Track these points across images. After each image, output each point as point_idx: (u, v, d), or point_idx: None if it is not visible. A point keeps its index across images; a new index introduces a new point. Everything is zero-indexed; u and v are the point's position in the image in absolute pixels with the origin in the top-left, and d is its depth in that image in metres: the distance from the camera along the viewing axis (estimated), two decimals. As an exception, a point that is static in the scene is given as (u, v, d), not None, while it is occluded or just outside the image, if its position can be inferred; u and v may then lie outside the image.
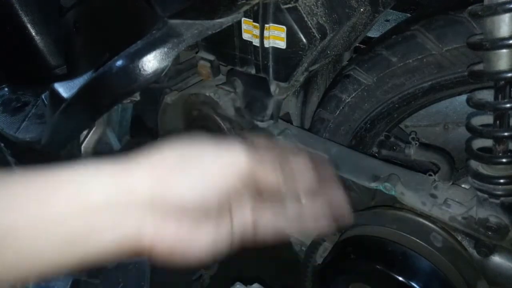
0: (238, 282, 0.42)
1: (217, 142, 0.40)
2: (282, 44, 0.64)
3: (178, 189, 0.37)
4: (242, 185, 0.39)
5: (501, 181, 0.57)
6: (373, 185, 0.65)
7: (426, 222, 0.65)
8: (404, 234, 0.64)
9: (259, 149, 0.41)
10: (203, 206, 0.38)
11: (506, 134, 0.54)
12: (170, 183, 0.37)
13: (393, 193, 0.63)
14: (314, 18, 0.62)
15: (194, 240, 0.38)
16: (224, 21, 0.61)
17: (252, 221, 0.41)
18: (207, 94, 0.81)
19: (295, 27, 0.62)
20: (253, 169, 0.39)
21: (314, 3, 0.62)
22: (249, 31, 0.66)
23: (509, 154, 0.55)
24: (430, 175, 0.66)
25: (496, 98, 0.53)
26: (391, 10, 1.09)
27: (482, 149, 0.58)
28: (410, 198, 0.63)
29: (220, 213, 0.40)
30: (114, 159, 0.38)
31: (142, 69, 0.61)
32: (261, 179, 0.40)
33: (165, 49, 0.60)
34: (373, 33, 0.98)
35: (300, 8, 0.61)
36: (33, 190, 0.34)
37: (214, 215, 0.39)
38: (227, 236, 0.40)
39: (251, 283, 0.44)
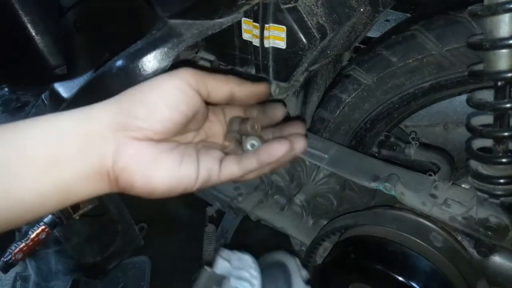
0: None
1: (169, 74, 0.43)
2: (282, 44, 0.64)
3: (137, 115, 0.40)
4: (197, 102, 0.43)
5: (501, 181, 0.57)
6: (373, 185, 0.65)
7: (426, 222, 0.65)
8: (404, 234, 0.64)
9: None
10: (164, 132, 0.41)
11: (506, 134, 0.54)
12: (130, 111, 0.40)
13: (393, 193, 0.63)
14: (314, 18, 0.62)
15: (154, 168, 0.40)
16: (224, 21, 0.61)
17: (217, 164, 0.44)
18: (207, 94, 0.81)
19: (295, 27, 0.62)
20: (203, 80, 0.43)
21: (314, 3, 0.62)
22: (249, 31, 0.66)
23: (509, 154, 0.55)
24: (430, 175, 0.66)
25: (496, 98, 0.53)
26: (391, 10, 1.09)
27: (482, 149, 0.58)
28: (410, 198, 0.63)
29: (184, 146, 0.44)
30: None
31: (142, 69, 0.61)
32: (213, 88, 0.44)
33: (165, 49, 0.60)
34: (373, 33, 0.98)
35: (300, 8, 0.61)
36: (7, 127, 0.38)
37: (177, 145, 0.43)
38: (190, 172, 0.42)
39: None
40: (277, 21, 0.63)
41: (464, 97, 0.69)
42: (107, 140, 0.39)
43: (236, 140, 0.48)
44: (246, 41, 0.68)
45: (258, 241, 1.39)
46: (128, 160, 0.39)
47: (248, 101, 0.49)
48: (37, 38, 1.14)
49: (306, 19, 0.61)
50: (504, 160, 0.55)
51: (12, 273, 1.09)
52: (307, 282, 0.52)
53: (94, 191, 0.40)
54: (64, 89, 0.76)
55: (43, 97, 0.86)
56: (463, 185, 0.66)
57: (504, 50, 0.50)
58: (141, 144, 0.40)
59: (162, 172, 0.40)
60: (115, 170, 0.39)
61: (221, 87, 0.45)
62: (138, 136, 0.40)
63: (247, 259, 0.45)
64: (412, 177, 0.65)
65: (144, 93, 0.41)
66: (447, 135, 0.80)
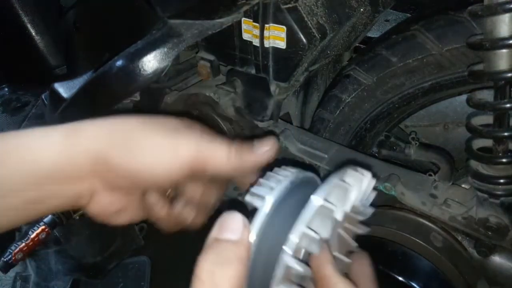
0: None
1: (174, 126, 0.40)
2: (282, 44, 0.64)
3: (119, 174, 0.39)
4: (189, 169, 0.39)
5: (501, 181, 0.57)
6: (373, 185, 0.64)
7: (426, 222, 0.65)
8: (404, 234, 0.64)
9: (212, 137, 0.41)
10: (142, 182, 0.40)
11: (506, 134, 0.54)
12: (115, 169, 0.38)
13: (393, 193, 0.63)
14: (314, 18, 0.62)
15: (118, 217, 0.43)
16: (224, 21, 0.61)
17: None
18: (207, 94, 0.81)
19: (295, 27, 0.62)
20: (202, 154, 0.39)
21: (314, 3, 0.62)
22: (249, 31, 0.66)
23: (509, 154, 0.55)
24: (430, 175, 0.66)
25: (496, 98, 0.53)
26: (391, 10, 1.09)
27: (482, 149, 0.58)
28: (410, 198, 0.63)
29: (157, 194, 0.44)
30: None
31: (142, 69, 0.61)
32: (211, 165, 0.40)
33: (165, 49, 0.60)
34: (373, 33, 0.98)
35: (300, 8, 0.61)
36: None
37: (149, 193, 0.44)
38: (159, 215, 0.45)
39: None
40: (277, 21, 0.63)
41: (464, 97, 0.69)
42: (84, 184, 0.39)
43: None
44: (246, 41, 0.68)
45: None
46: (99, 209, 0.42)
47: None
48: (37, 38, 1.13)
49: (306, 19, 0.61)
50: (504, 160, 0.55)
51: (12, 273, 1.09)
52: None
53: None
54: (64, 89, 0.76)
55: (43, 97, 0.86)
56: (463, 185, 0.66)
57: (504, 50, 0.50)
58: (114, 195, 0.41)
59: (124, 220, 0.44)
60: (87, 210, 0.42)
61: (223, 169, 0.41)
62: (114, 186, 0.40)
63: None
64: (412, 177, 0.65)
65: (135, 158, 0.38)
66: (447, 135, 0.80)
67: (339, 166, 0.37)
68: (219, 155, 0.40)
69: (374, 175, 0.38)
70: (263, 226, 0.34)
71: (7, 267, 0.84)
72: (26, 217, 0.39)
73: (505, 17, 0.48)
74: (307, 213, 0.32)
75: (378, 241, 0.65)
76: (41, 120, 1.04)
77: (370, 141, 0.78)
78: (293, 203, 0.36)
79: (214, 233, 0.33)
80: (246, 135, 0.81)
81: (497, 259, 0.61)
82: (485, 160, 0.57)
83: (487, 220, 0.57)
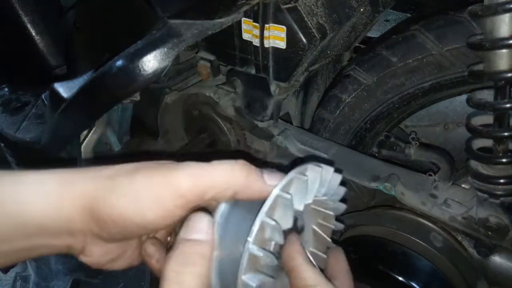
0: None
1: (165, 162, 0.36)
2: (282, 44, 0.64)
3: (108, 228, 0.35)
4: (187, 202, 0.34)
5: (501, 181, 0.57)
6: (373, 185, 0.65)
7: (426, 222, 0.65)
8: (404, 234, 0.64)
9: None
10: (137, 230, 0.36)
11: (506, 134, 0.54)
12: (103, 221, 0.35)
13: (393, 193, 0.63)
14: (314, 18, 0.62)
15: (115, 264, 0.41)
16: (224, 21, 0.61)
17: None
18: (207, 94, 0.81)
19: (295, 27, 0.62)
20: (200, 179, 0.34)
21: (314, 3, 0.62)
22: (249, 31, 0.66)
23: (509, 154, 0.55)
24: (430, 175, 0.66)
25: (496, 98, 0.53)
26: (391, 10, 1.08)
27: (482, 149, 0.58)
28: (410, 198, 0.63)
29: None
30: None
31: (142, 69, 0.61)
32: (213, 188, 0.34)
33: (165, 49, 0.60)
34: (373, 33, 0.98)
35: (300, 8, 0.61)
36: None
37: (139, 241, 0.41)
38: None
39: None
40: (277, 21, 0.63)
41: (464, 97, 0.69)
42: (76, 237, 0.37)
43: None
44: (246, 41, 0.68)
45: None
46: (93, 259, 0.40)
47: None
48: (37, 38, 1.13)
49: (306, 19, 0.61)
50: (504, 160, 0.55)
51: (12, 273, 1.09)
52: None
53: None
54: (64, 89, 0.76)
55: (43, 97, 0.86)
56: (463, 185, 0.66)
57: (504, 50, 0.50)
58: (107, 246, 0.39)
59: (120, 266, 0.42)
60: (81, 257, 0.40)
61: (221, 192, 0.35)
62: (108, 241, 0.38)
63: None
64: (412, 177, 0.65)
65: (127, 210, 0.34)
66: (447, 135, 0.80)
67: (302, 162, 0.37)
68: (221, 173, 0.34)
69: (338, 170, 0.39)
70: (226, 222, 0.35)
71: (7, 267, 0.84)
72: (17, 260, 0.39)
73: (505, 17, 0.48)
74: (267, 204, 0.33)
75: (378, 241, 0.65)
76: (41, 120, 1.04)
77: (370, 141, 0.78)
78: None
79: (181, 233, 0.33)
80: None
81: (497, 259, 0.61)
82: (485, 160, 0.57)
83: (487, 220, 0.57)
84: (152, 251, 0.41)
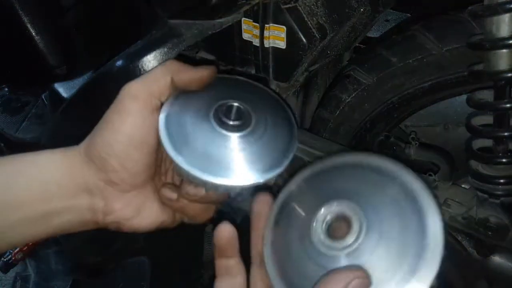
0: None
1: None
2: (282, 44, 0.64)
3: (114, 168, 0.40)
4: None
5: (501, 181, 0.57)
6: (373, 185, 0.64)
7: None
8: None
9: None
10: (144, 176, 0.42)
11: (506, 134, 0.54)
12: (105, 166, 0.40)
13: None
14: (314, 18, 0.62)
15: (140, 219, 0.43)
16: (224, 21, 0.61)
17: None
18: (207, 94, 0.81)
19: (295, 27, 0.62)
20: (158, 90, 0.43)
21: (314, 3, 0.62)
22: (249, 31, 0.66)
23: (509, 154, 0.55)
24: (430, 175, 0.66)
25: (496, 98, 0.53)
26: (391, 10, 1.08)
27: (482, 149, 0.58)
28: (410, 198, 0.63)
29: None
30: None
31: (142, 69, 0.61)
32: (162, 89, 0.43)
33: (165, 49, 0.60)
34: (373, 33, 0.98)
35: (300, 8, 0.61)
36: None
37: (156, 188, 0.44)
38: (170, 217, 0.45)
39: None
40: (277, 21, 0.63)
41: (464, 97, 0.69)
42: (95, 196, 0.41)
43: None
44: (246, 41, 0.68)
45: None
46: (116, 215, 0.42)
47: (192, 87, 0.45)
48: (37, 38, 1.13)
49: (306, 19, 0.61)
50: (504, 160, 0.55)
51: (12, 273, 1.09)
52: None
53: (80, 229, 0.43)
54: (64, 89, 0.76)
55: (43, 97, 0.86)
56: (463, 185, 0.66)
57: (504, 50, 0.50)
58: (126, 197, 0.42)
59: (148, 222, 0.44)
60: (105, 222, 0.42)
61: (162, 81, 0.44)
62: (124, 188, 0.41)
63: None
64: (412, 177, 0.65)
65: (112, 135, 0.41)
66: (447, 135, 0.80)
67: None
68: (158, 69, 0.45)
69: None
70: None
71: (7, 267, 0.84)
72: (38, 231, 0.40)
73: (505, 17, 0.48)
74: None
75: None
76: (41, 120, 1.04)
77: (370, 141, 0.78)
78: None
79: None
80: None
81: (497, 259, 0.61)
82: (485, 160, 0.57)
83: (487, 220, 0.57)
84: (169, 193, 0.43)
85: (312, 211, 0.36)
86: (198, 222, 0.47)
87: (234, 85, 0.50)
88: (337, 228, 0.34)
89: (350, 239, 0.32)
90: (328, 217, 0.35)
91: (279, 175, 0.43)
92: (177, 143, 0.41)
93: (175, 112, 0.43)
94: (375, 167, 0.36)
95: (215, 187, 0.40)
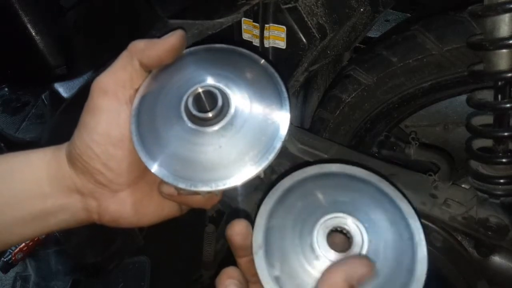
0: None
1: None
2: (282, 44, 0.64)
3: (100, 171, 0.38)
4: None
5: (501, 181, 0.57)
6: (373, 185, 0.64)
7: (426, 222, 0.65)
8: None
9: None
10: (132, 175, 0.39)
11: (506, 134, 0.54)
12: (91, 171, 0.38)
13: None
14: (314, 18, 0.62)
15: (139, 218, 0.41)
16: (224, 21, 0.61)
17: None
18: (207, 94, 0.81)
19: (295, 27, 0.62)
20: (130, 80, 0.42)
21: (314, 3, 0.62)
22: (249, 31, 0.66)
23: (509, 154, 0.55)
24: (430, 175, 0.66)
25: (496, 98, 0.53)
26: (391, 10, 1.09)
27: (482, 149, 0.58)
28: (410, 198, 0.63)
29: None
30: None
31: (142, 69, 0.61)
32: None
33: (165, 49, 0.60)
34: (373, 33, 0.98)
35: (300, 8, 0.61)
36: None
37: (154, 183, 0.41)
38: (173, 209, 0.43)
39: None
40: (277, 21, 0.63)
41: (464, 97, 0.69)
42: (87, 196, 0.39)
43: None
44: (246, 41, 0.68)
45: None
46: (112, 216, 0.40)
47: (164, 62, 0.42)
48: (37, 38, 1.13)
49: (306, 19, 0.61)
50: (504, 160, 0.55)
51: (12, 273, 1.09)
52: None
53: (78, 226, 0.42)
54: (64, 89, 0.76)
55: (43, 97, 0.86)
56: (463, 185, 0.66)
57: (504, 50, 0.50)
58: (120, 196, 0.40)
59: (148, 218, 0.42)
60: (101, 221, 0.41)
61: (129, 67, 0.42)
62: (115, 188, 0.39)
63: None
64: (412, 177, 0.65)
65: (89, 136, 0.38)
66: (447, 135, 0.80)
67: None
68: (128, 49, 0.44)
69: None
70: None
71: (7, 267, 0.84)
72: (34, 231, 0.40)
73: (505, 17, 0.48)
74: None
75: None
76: (41, 120, 1.04)
77: (370, 141, 0.78)
78: None
79: None
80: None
81: (497, 259, 0.61)
82: (485, 160, 0.57)
83: (487, 220, 0.57)
84: (168, 189, 0.40)
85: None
86: (206, 208, 0.45)
87: (211, 59, 0.43)
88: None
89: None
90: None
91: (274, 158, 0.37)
92: (151, 151, 0.37)
93: (146, 110, 0.39)
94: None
95: (199, 192, 0.36)
